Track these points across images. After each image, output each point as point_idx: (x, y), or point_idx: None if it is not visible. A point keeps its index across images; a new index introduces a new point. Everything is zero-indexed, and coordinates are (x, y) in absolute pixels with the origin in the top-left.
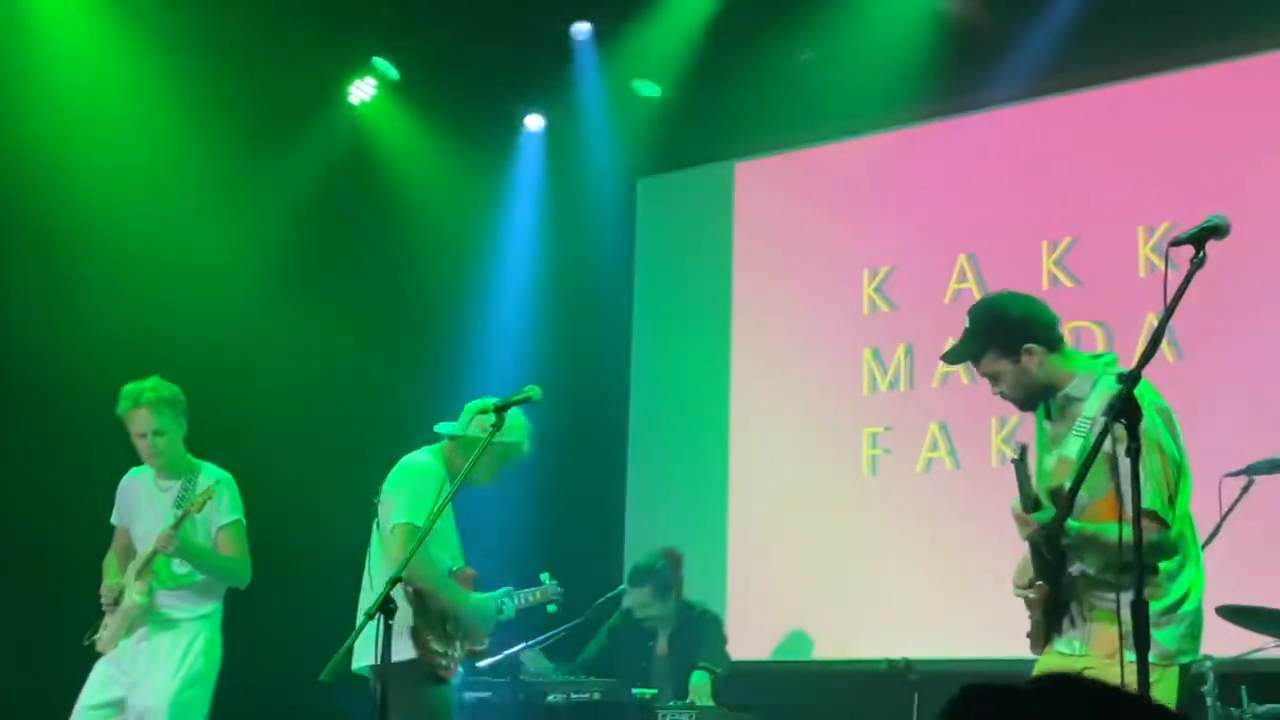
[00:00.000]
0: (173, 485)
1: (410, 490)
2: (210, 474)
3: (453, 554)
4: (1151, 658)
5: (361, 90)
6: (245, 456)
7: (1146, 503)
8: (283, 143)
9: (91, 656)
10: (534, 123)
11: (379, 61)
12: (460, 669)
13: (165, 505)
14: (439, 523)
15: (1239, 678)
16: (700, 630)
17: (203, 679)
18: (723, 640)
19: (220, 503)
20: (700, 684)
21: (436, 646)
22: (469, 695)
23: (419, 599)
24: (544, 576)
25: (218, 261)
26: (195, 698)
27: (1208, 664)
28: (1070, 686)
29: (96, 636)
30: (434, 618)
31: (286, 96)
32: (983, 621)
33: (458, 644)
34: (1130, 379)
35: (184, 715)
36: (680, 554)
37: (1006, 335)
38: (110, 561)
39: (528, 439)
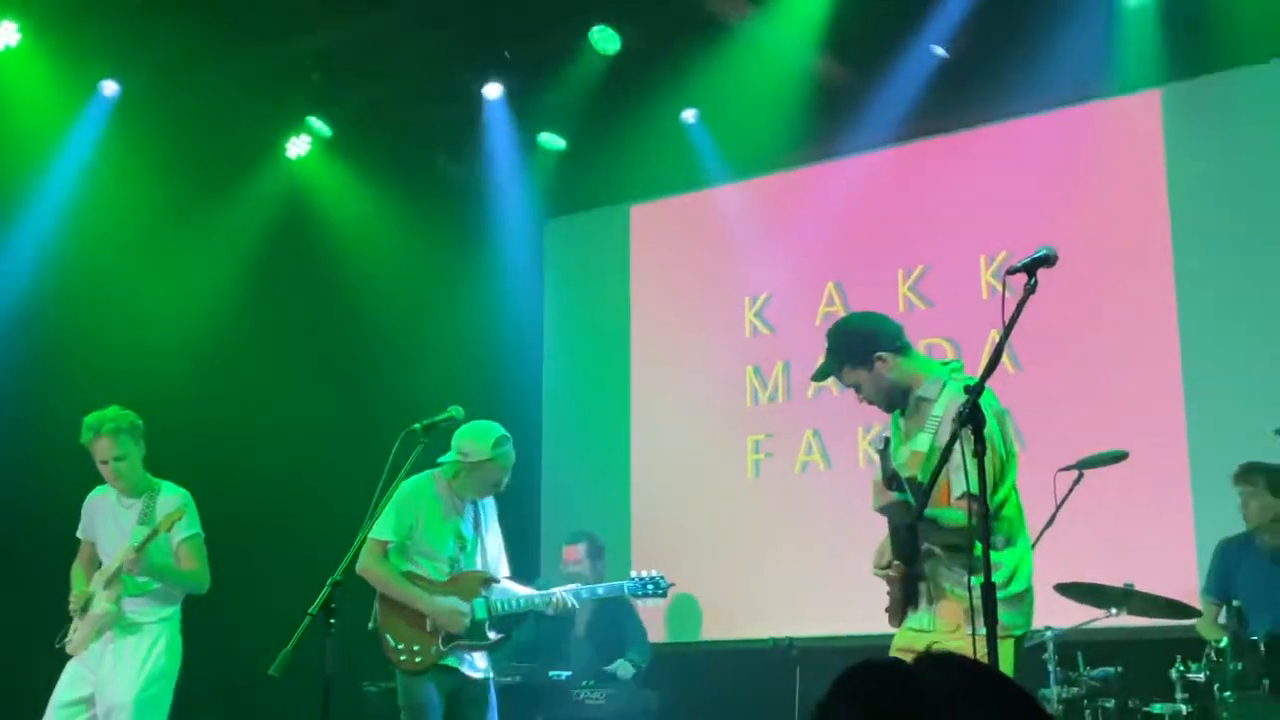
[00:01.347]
0: (135, 503)
1: (390, 508)
2: (170, 491)
3: (445, 560)
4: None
5: (298, 146)
6: (202, 477)
7: (972, 488)
8: (228, 193)
9: (61, 658)
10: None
11: (312, 120)
12: (463, 660)
13: (129, 521)
14: (428, 535)
15: (1076, 646)
16: (620, 619)
17: (165, 676)
18: (644, 633)
19: (181, 519)
20: (624, 673)
21: (393, 643)
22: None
23: (382, 601)
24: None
25: (172, 301)
26: (158, 694)
27: (1048, 634)
28: (951, 661)
29: (66, 640)
30: (396, 617)
31: (231, 152)
32: (854, 601)
33: (431, 638)
34: (976, 389)
35: (148, 710)
36: (603, 544)
37: (858, 349)
38: (77, 572)
39: (496, 452)
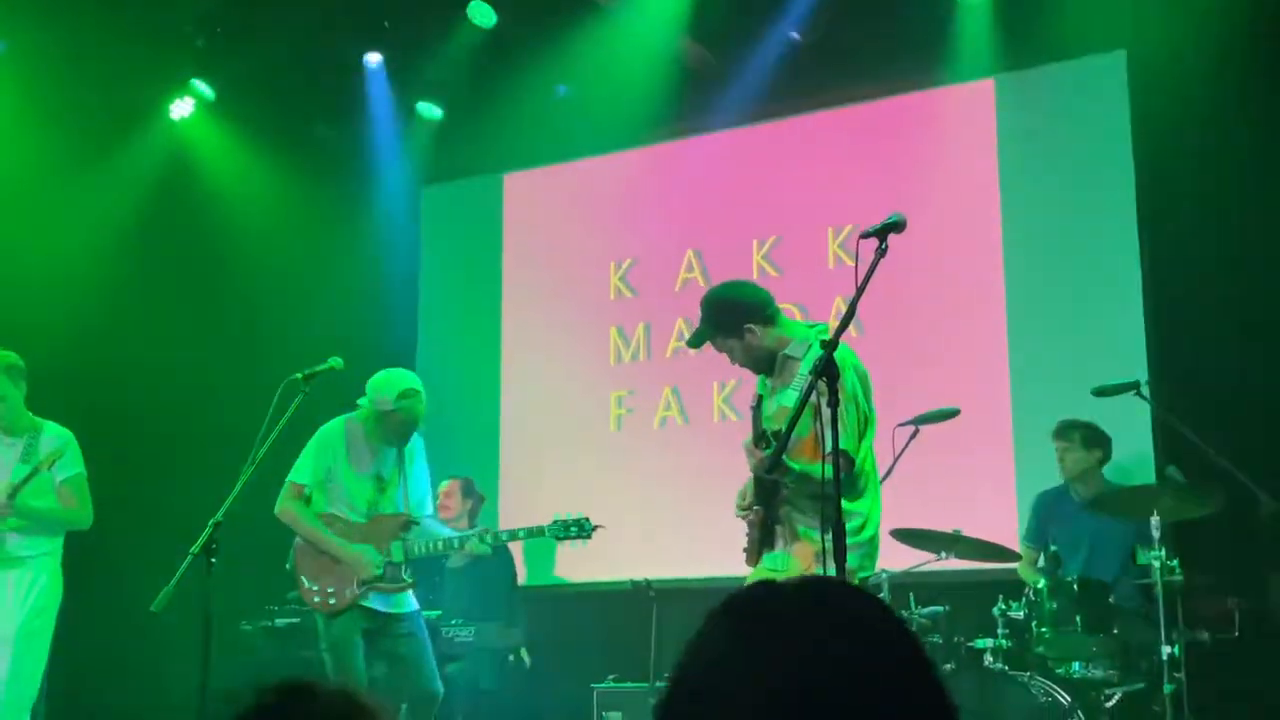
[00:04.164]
0: (17, 443)
1: (306, 451)
2: (51, 431)
3: (361, 503)
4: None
5: (181, 108)
6: (87, 420)
7: (842, 444)
8: (111, 151)
9: None
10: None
11: (195, 83)
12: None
13: (11, 459)
14: (344, 478)
15: (908, 587)
16: (495, 569)
17: (46, 610)
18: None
19: (64, 458)
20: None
21: (307, 584)
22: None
23: (299, 543)
24: (467, 535)
25: (59, 255)
26: (40, 627)
27: (884, 576)
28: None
29: None
30: (311, 559)
31: (114, 112)
32: (708, 545)
33: (345, 581)
34: (830, 345)
35: (31, 643)
36: (482, 495)
37: (729, 321)
38: None
39: (400, 404)
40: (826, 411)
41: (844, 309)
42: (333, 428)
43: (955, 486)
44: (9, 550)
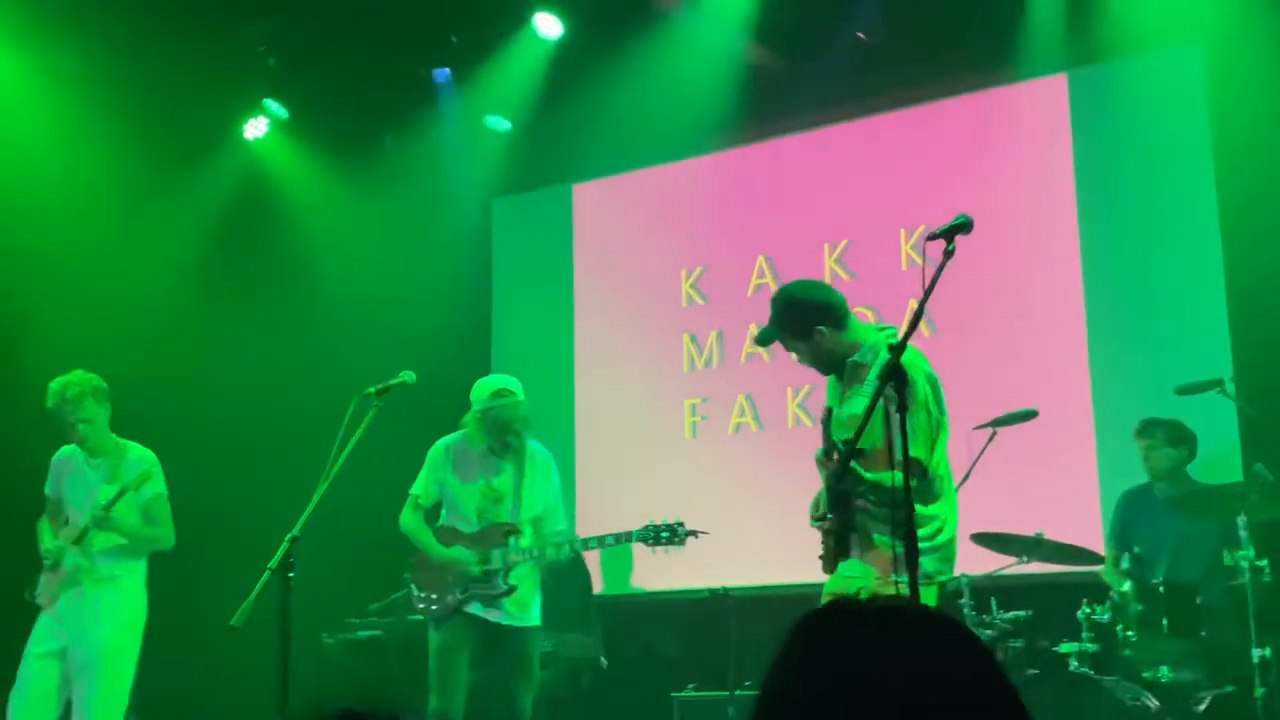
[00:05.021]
0: (102, 463)
1: (423, 466)
2: (136, 453)
3: (471, 513)
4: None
5: (255, 127)
6: (167, 440)
7: (913, 452)
8: (188, 172)
9: (32, 610)
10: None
11: (269, 102)
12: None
13: (96, 480)
14: (453, 489)
15: (989, 591)
16: (570, 578)
17: (133, 627)
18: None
19: (147, 479)
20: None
21: (416, 591)
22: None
23: (419, 554)
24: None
25: (140, 274)
26: (127, 644)
27: (964, 581)
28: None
29: (37, 593)
30: (423, 568)
31: (192, 133)
32: (786, 551)
33: (449, 588)
34: (896, 351)
35: (119, 660)
36: None
37: (798, 321)
38: (44, 527)
39: (492, 402)
40: (896, 417)
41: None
42: (446, 442)
43: (1037, 489)
44: (96, 570)
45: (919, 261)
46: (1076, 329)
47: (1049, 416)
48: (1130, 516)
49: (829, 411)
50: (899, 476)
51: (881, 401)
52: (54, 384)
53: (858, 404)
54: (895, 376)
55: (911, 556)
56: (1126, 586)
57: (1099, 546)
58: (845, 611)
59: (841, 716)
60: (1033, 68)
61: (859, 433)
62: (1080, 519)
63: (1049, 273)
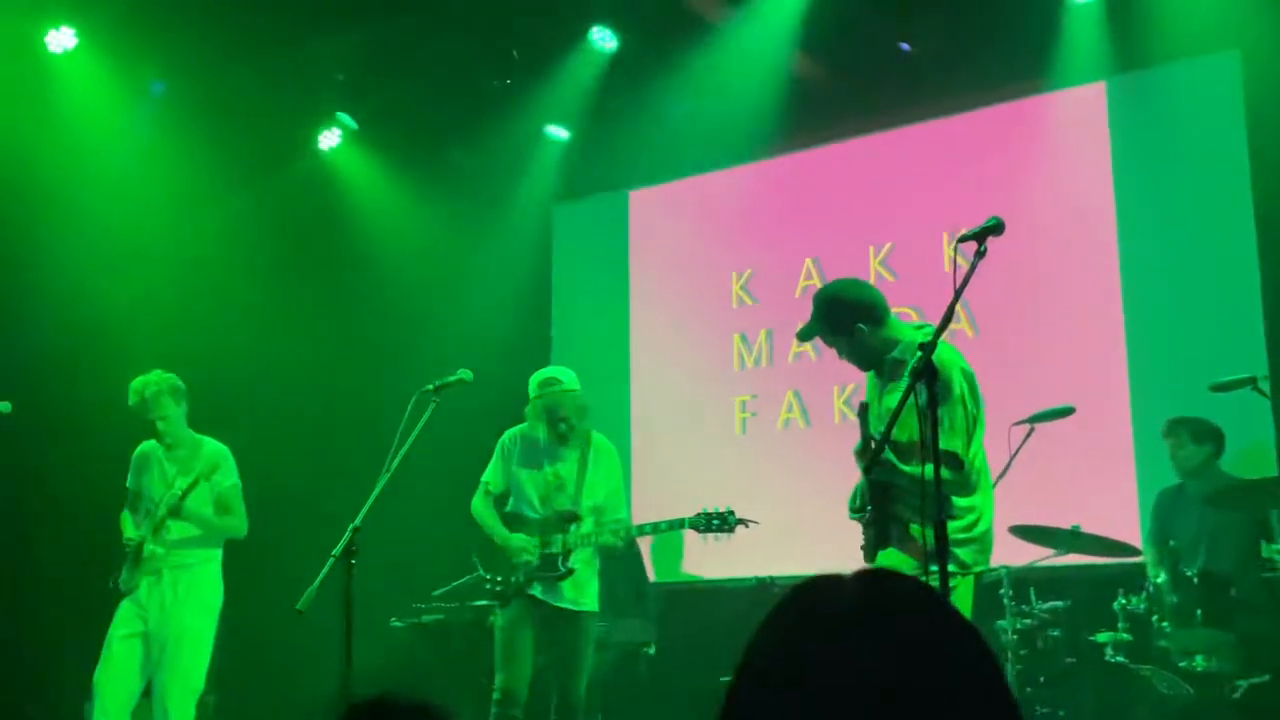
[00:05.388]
0: (178, 457)
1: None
2: (210, 446)
3: (535, 500)
4: (952, 568)
5: (329, 139)
6: (241, 433)
7: (949, 445)
8: (267, 180)
9: (115, 596)
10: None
11: (341, 115)
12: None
13: (173, 473)
14: (519, 478)
15: (1028, 582)
16: (624, 565)
17: (210, 611)
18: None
19: (222, 471)
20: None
21: (483, 573)
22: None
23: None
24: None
25: (220, 278)
26: (205, 627)
27: (1003, 572)
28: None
29: (121, 580)
30: (491, 551)
31: (270, 145)
32: (829, 543)
33: (513, 570)
34: (929, 346)
35: (197, 641)
36: None
37: (838, 319)
38: (126, 518)
39: (542, 390)
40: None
41: (960, 313)
42: (508, 432)
43: (1075, 483)
44: (174, 557)
45: (962, 263)
46: (1115, 329)
47: (1088, 413)
48: (1165, 515)
49: (865, 406)
50: (929, 469)
51: (916, 397)
52: (135, 383)
53: (895, 399)
54: (926, 372)
55: (941, 546)
56: (1162, 578)
57: (1136, 540)
58: (822, 584)
59: (815, 688)
60: (1072, 76)
61: (890, 425)
62: (1118, 512)
63: (1088, 275)
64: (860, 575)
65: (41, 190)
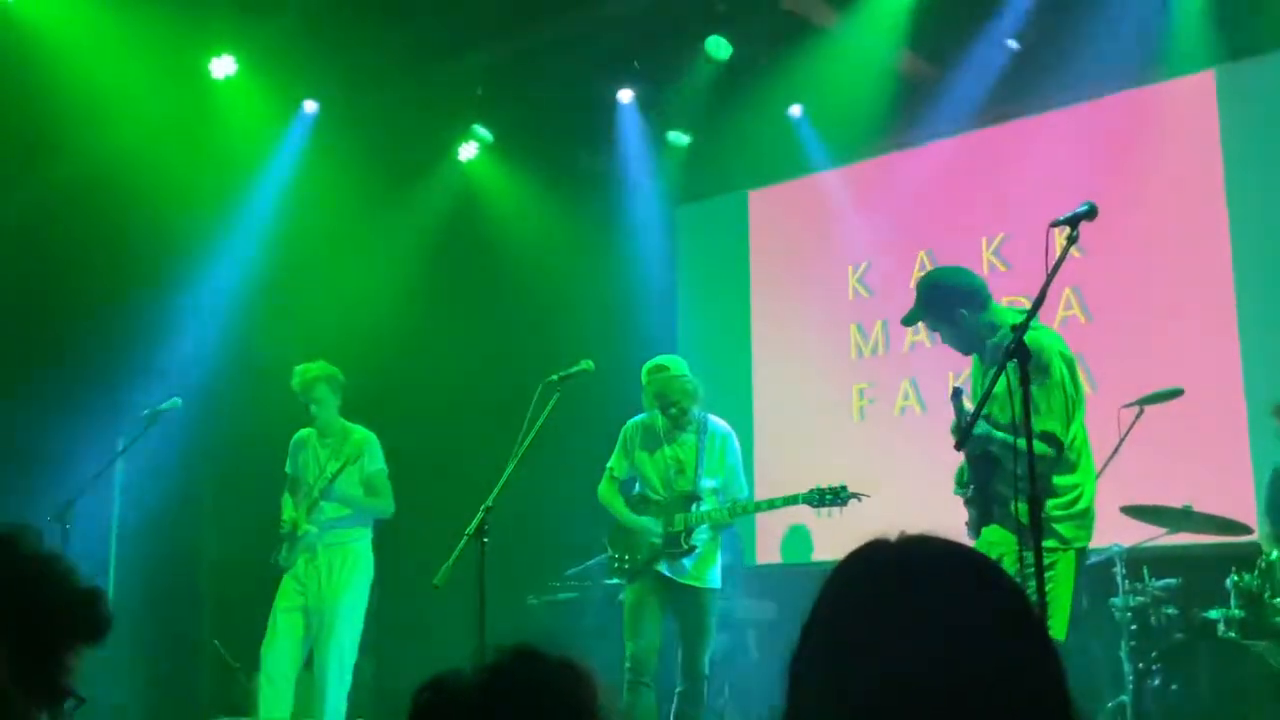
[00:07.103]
0: (330, 443)
1: None
2: (359, 433)
3: (657, 482)
4: (1054, 543)
5: (467, 150)
6: (390, 421)
7: (1047, 426)
8: (412, 191)
9: (277, 571)
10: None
11: (478, 127)
12: (648, 567)
13: (326, 457)
14: (641, 463)
15: (1141, 560)
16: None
17: (363, 586)
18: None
19: (369, 455)
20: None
21: (611, 552)
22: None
23: (615, 520)
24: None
25: (369, 281)
26: (358, 601)
27: (1116, 550)
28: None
29: (281, 558)
30: (617, 531)
31: (413, 157)
32: (945, 523)
33: (637, 549)
34: (1021, 327)
35: (352, 613)
36: None
37: (941, 304)
38: (286, 500)
39: (651, 377)
40: (1036, 398)
41: (1071, 299)
42: (631, 421)
43: (1187, 463)
44: (328, 536)
45: (1072, 253)
46: (1227, 314)
47: (1200, 395)
48: (1279, 492)
49: (957, 391)
50: (1021, 443)
51: (1008, 376)
52: (298, 368)
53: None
54: (1017, 354)
55: (1035, 522)
56: (1275, 554)
57: (1251, 519)
58: (875, 546)
59: (864, 639)
60: (1180, 65)
61: (982, 401)
62: (1231, 491)
63: (1200, 261)
64: (901, 538)
65: (207, 208)
